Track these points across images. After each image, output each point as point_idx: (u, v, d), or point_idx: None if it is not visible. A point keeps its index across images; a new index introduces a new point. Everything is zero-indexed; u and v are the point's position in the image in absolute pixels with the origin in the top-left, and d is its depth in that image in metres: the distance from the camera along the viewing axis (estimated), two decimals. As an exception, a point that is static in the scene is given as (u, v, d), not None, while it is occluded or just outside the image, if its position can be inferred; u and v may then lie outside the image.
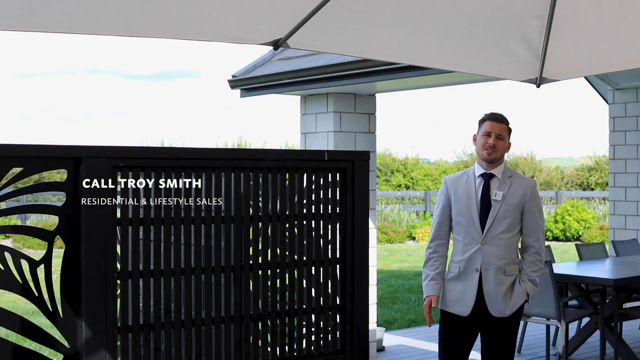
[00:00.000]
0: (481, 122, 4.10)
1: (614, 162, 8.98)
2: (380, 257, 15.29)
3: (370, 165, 6.85)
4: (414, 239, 19.02)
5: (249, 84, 6.71)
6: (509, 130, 4.10)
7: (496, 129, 4.02)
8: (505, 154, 4.16)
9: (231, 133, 59.37)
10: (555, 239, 19.82)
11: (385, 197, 24.62)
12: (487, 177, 4.04)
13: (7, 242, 17.37)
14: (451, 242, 4.18)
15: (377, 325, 7.29)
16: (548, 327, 6.48)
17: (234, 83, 6.78)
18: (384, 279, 12.57)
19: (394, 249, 17.27)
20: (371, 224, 6.84)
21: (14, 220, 19.14)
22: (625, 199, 8.89)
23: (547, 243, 18.67)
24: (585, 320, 6.89)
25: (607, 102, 9.20)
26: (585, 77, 9.15)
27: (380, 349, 7.11)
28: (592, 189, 26.20)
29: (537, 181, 27.59)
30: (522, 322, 6.72)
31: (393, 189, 26.61)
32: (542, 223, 4.12)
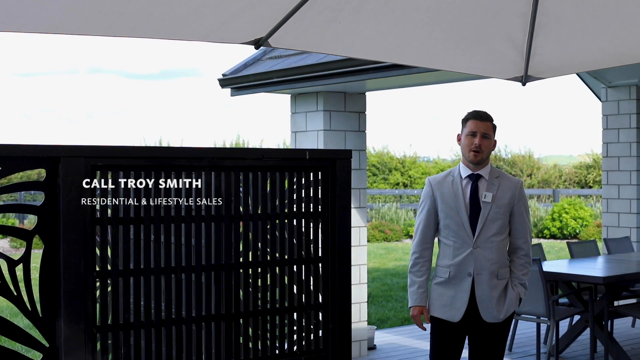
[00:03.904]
0: (464, 121, 3.97)
1: (607, 159, 8.99)
2: (376, 256, 15.30)
3: (361, 164, 6.90)
4: (411, 237, 19.03)
5: (239, 82, 6.71)
6: (494, 128, 3.98)
7: (481, 128, 3.89)
8: (492, 151, 4.03)
9: (230, 132, 59.35)
10: (553, 236, 19.82)
11: (383, 196, 24.63)
12: (475, 178, 3.92)
13: (5, 242, 17.38)
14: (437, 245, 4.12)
15: (369, 324, 7.30)
16: (539, 325, 6.49)
17: (224, 82, 6.78)
18: (379, 277, 12.58)
19: (391, 247, 17.28)
20: (362, 223, 6.85)
21: (12, 220, 19.17)
22: (618, 196, 8.90)
23: (541, 241, 18.70)
24: (577, 318, 6.89)
25: (600, 99, 9.21)
26: (578, 75, 9.15)
27: (372, 348, 7.11)
28: (590, 187, 26.20)
29: (535, 179, 27.61)
30: (513, 320, 6.72)
31: (391, 187, 26.60)
32: (530, 224, 4.03)
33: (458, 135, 4.00)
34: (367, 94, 6.97)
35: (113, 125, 68.07)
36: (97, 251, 3.12)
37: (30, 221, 19.07)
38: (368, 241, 17.46)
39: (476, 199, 3.89)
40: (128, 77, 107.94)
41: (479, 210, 3.87)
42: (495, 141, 4.00)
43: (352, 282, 6.49)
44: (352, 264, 6.39)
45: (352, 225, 6.42)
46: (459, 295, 3.86)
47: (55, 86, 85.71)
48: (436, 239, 4.06)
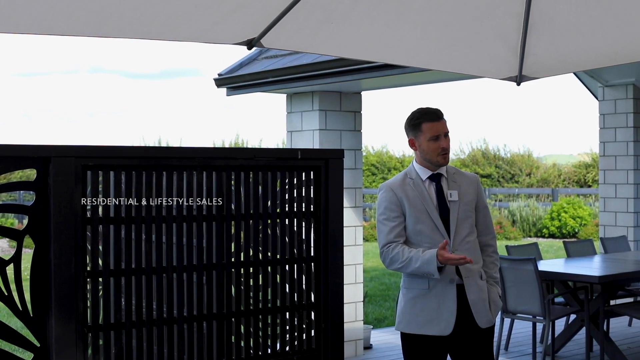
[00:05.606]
0: (418, 125, 3.70)
1: (604, 159, 8.99)
2: (375, 255, 15.28)
3: (357, 163, 6.90)
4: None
5: (235, 82, 6.72)
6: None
7: (442, 129, 3.68)
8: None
9: (229, 131, 59.48)
10: (552, 236, 19.83)
11: (382, 195, 24.60)
12: (436, 179, 3.73)
13: (4, 242, 17.38)
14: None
15: (365, 323, 7.31)
16: (534, 324, 6.49)
17: (220, 82, 6.78)
18: (377, 276, 12.58)
19: (389, 247, 17.24)
20: (358, 222, 6.85)
21: (11, 219, 19.19)
22: (615, 196, 8.90)
23: (539, 240, 18.70)
24: (573, 317, 6.89)
25: (597, 98, 9.21)
26: (575, 74, 9.16)
27: (368, 347, 7.11)
28: (589, 186, 26.21)
29: (534, 178, 27.59)
30: (508, 320, 6.73)
31: (390, 186, 26.58)
32: (491, 219, 3.88)
33: (411, 140, 3.75)
34: (366, 93, 6.98)
35: (113, 125, 68.07)
36: (89, 249, 3.12)
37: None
38: (367, 240, 17.47)
39: (443, 199, 3.69)
40: (128, 77, 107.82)
41: (448, 211, 3.67)
42: None
43: (348, 282, 6.52)
44: (347, 263, 6.42)
45: (347, 225, 6.44)
46: (445, 305, 3.59)
47: (56, 86, 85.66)
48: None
